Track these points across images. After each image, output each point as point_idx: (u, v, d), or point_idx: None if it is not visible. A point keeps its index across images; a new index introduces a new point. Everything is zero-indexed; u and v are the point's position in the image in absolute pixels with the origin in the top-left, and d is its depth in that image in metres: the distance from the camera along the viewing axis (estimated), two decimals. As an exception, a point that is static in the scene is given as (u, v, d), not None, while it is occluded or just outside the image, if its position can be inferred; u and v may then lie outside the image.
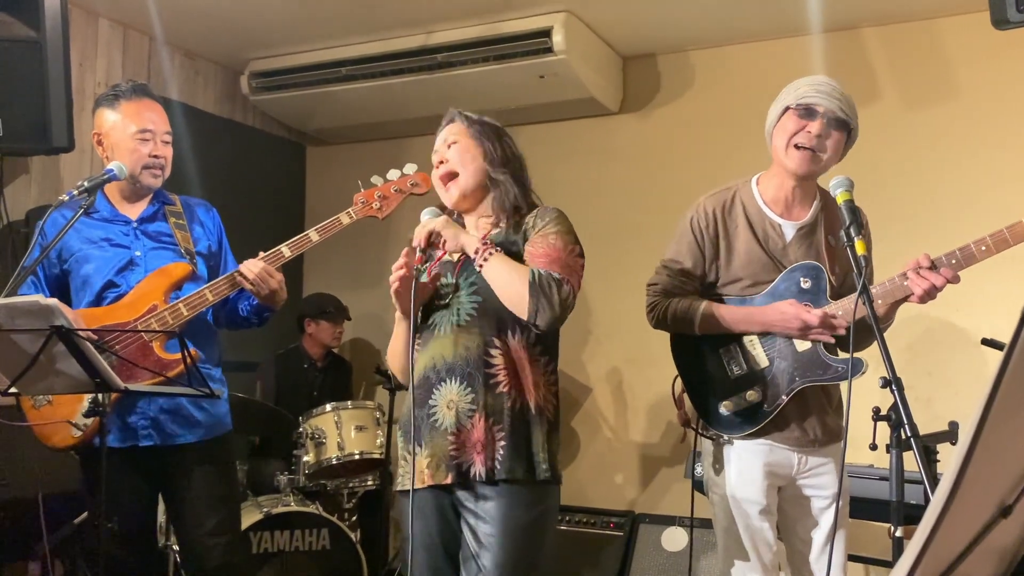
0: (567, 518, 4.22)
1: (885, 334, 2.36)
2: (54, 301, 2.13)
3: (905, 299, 2.30)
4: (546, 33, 4.10)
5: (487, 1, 4.08)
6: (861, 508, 3.00)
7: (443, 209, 2.34)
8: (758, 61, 4.38)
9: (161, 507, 3.04)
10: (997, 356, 0.80)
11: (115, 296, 2.65)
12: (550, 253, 2.15)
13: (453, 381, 2.13)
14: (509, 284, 2.09)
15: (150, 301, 2.60)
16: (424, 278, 2.22)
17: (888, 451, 2.09)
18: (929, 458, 2.95)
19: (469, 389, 2.12)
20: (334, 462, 3.96)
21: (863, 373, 2.25)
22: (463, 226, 2.30)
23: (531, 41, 4.14)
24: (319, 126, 5.22)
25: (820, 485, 2.43)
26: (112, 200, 2.76)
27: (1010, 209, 3.75)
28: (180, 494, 2.71)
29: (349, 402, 4.13)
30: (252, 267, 2.65)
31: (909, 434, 1.82)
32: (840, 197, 2.13)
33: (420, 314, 2.25)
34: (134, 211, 2.75)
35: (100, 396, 2.30)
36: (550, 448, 2.14)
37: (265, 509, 3.72)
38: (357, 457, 4.01)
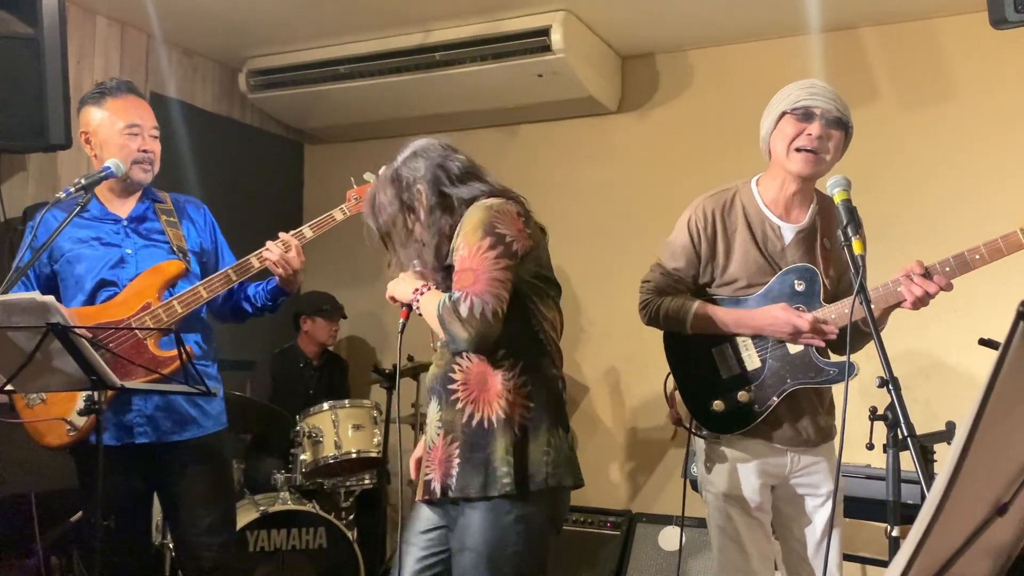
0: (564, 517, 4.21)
1: (882, 335, 2.37)
2: (51, 298, 2.13)
3: (897, 305, 2.30)
4: (544, 32, 4.09)
5: (485, 0, 4.08)
6: (858, 508, 3.00)
7: None
8: (757, 61, 4.38)
9: (157, 506, 3.03)
10: (995, 357, 0.80)
11: (108, 295, 2.64)
12: (461, 265, 2.05)
13: (433, 400, 2.18)
14: (432, 322, 2.07)
15: (144, 299, 2.60)
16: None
17: (885, 451, 2.09)
18: (926, 458, 2.96)
19: (438, 407, 2.15)
20: (331, 461, 3.96)
21: (854, 376, 2.26)
22: None
23: (529, 40, 4.14)
24: (317, 124, 5.21)
25: (813, 484, 2.43)
26: (102, 199, 2.75)
27: (1008, 208, 3.77)
28: (175, 493, 2.71)
29: (346, 401, 4.13)
30: (275, 249, 2.69)
31: (906, 434, 1.81)
32: (837, 196, 2.13)
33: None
34: (124, 209, 2.75)
35: (96, 394, 2.29)
36: (516, 458, 2.03)
37: (262, 508, 3.72)
38: (354, 456, 4.00)
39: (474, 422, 2.06)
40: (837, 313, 2.34)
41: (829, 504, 2.41)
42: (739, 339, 2.44)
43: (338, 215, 2.76)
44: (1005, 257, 2.24)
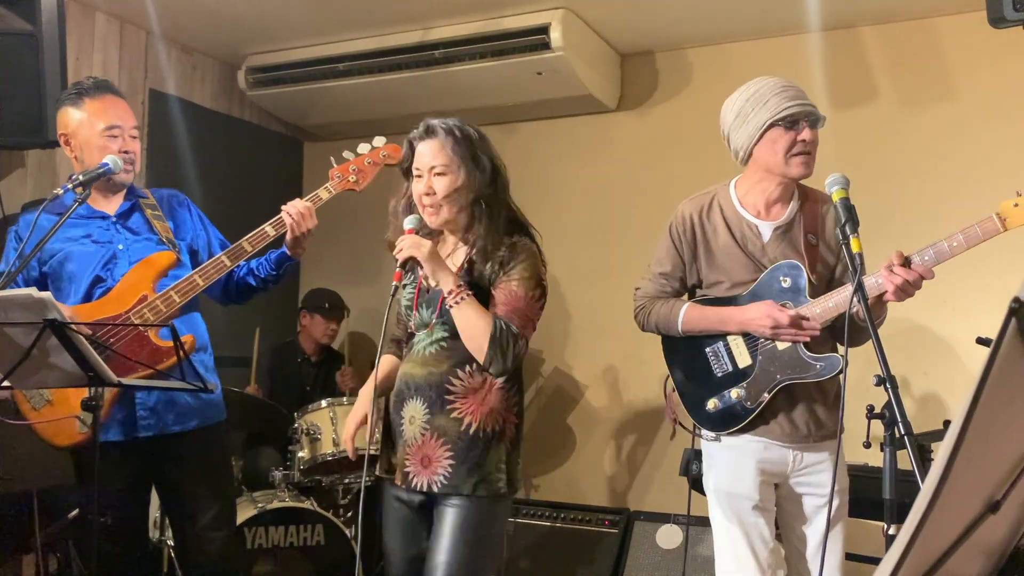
0: (562, 515, 4.21)
1: (880, 332, 2.37)
2: (47, 294, 2.13)
3: (882, 295, 2.30)
4: (544, 30, 4.09)
5: (485, -3, 4.09)
6: (856, 506, 3.00)
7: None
8: (756, 59, 4.38)
9: (155, 502, 3.03)
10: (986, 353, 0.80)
11: (103, 291, 2.64)
12: (510, 302, 2.31)
13: (417, 400, 2.36)
14: (473, 331, 2.28)
15: (139, 292, 2.59)
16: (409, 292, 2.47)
17: (882, 449, 2.09)
18: (924, 457, 2.96)
19: (427, 409, 2.34)
20: (329, 458, 3.95)
21: (840, 372, 2.26)
22: (443, 240, 2.49)
23: (529, 38, 4.14)
24: (316, 121, 5.21)
25: (816, 483, 2.44)
26: (93, 200, 2.74)
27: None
28: (177, 485, 2.71)
29: (344, 398, 4.13)
30: (296, 204, 2.71)
31: (903, 432, 1.82)
32: (836, 195, 2.14)
33: (407, 331, 2.50)
34: (111, 207, 2.75)
35: (93, 390, 2.29)
36: (508, 465, 2.34)
37: (260, 505, 3.72)
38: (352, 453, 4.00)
39: (471, 431, 2.30)
40: (821, 308, 2.36)
41: (834, 504, 2.41)
42: (731, 338, 2.47)
43: (323, 194, 2.79)
44: (983, 243, 2.25)
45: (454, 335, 2.34)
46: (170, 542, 3.52)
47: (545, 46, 4.11)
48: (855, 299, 2.02)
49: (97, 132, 2.65)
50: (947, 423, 3.29)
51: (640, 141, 4.65)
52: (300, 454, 3.96)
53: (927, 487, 0.78)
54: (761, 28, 4.31)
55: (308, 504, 3.85)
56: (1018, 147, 3.84)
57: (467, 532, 2.29)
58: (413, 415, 2.36)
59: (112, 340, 2.50)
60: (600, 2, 4.11)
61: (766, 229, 2.48)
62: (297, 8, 4.21)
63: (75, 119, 2.67)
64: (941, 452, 0.79)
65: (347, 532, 3.87)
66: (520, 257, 2.35)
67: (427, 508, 2.39)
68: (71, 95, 2.70)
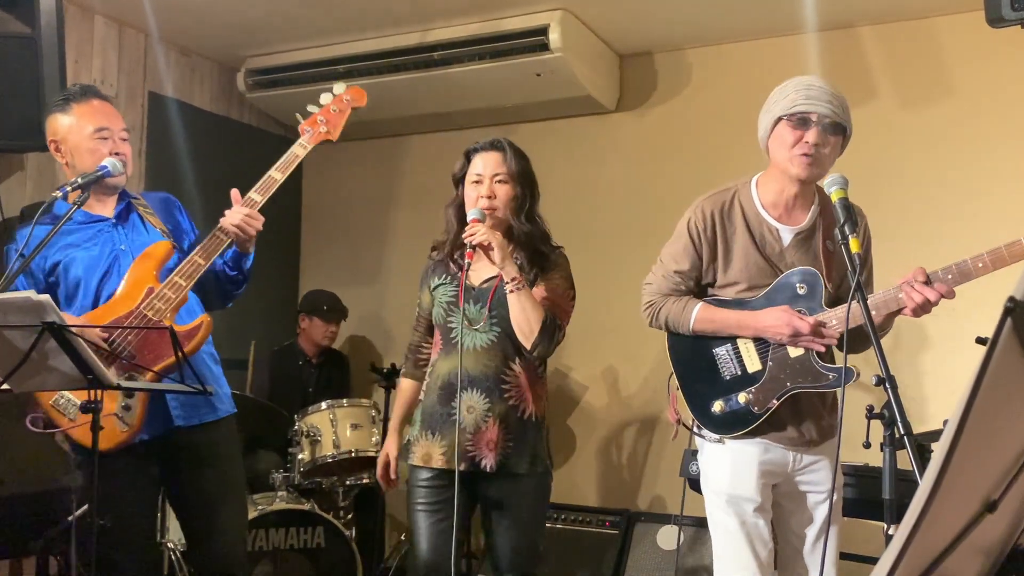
0: (562, 516, 4.21)
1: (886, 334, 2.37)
2: (46, 297, 2.12)
3: (899, 311, 2.28)
4: (543, 31, 4.09)
5: (484, -1, 4.09)
6: (856, 507, 3.00)
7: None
8: (755, 59, 4.38)
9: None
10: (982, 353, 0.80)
11: (111, 292, 2.63)
12: (552, 298, 2.66)
13: (475, 391, 2.61)
14: (528, 316, 2.57)
15: (145, 285, 2.57)
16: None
17: (882, 449, 2.09)
18: (923, 456, 2.95)
19: (487, 399, 2.61)
20: (329, 460, 3.96)
21: (854, 381, 2.25)
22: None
23: (528, 39, 4.14)
24: (316, 124, 5.21)
25: (815, 481, 2.43)
26: (88, 206, 2.73)
27: (1007, 207, 3.78)
28: (190, 484, 2.69)
29: (344, 400, 4.13)
30: (233, 216, 2.61)
31: (903, 432, 1.81)
32: (835, 195, 2.13)
33: (446, 327, 2.71)
34: (107, 210, 2.73)
35: (93, 392, 2.29)
36: (548, 445, 2.73)
37: (260, 507, 3.72)
38: (352, 455, 4.01)
39: (524, 416, 2.63)
40: (838, 318, 2.33)
41: (829, 502, 2.41)
42: (740, 341, 2.44)
43: (299, 151, 2.71)
44: (1009, 266, 2.22)
45: (503, 331, 2.63)
46: (170, 544, 3.52)
47: (544, 47, 4.11)
48: (857, 302, 2.00)
49: (87, 135, 2.64)
50: (947, 423, 3.28)
51: (639, 142, 4.65)
52: (300, 456, 3.96)
53: (924, 486, 0.78)
54: (760, 28, 4.32)
55: (308, 506, 3.85)
56: (1017, 146, 3.84)
57: (532, 504, 2.67)
58: (471, 405, 2.61)
59: (130, 339, 2.48)
60: (599, 3, 4.11)
61: (787, 234, 2.44)
62: (296, 10, 4.21)
63: (64, 124, 2.65)
64: (937, 452, 0.79)
65: (347, 534, 3.87)
66: (560, 263, 2.75)
67: (473, 487, 2.65)
68: (58, 102, 2.69)
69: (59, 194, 2.51)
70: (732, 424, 2.42)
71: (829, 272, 2.42)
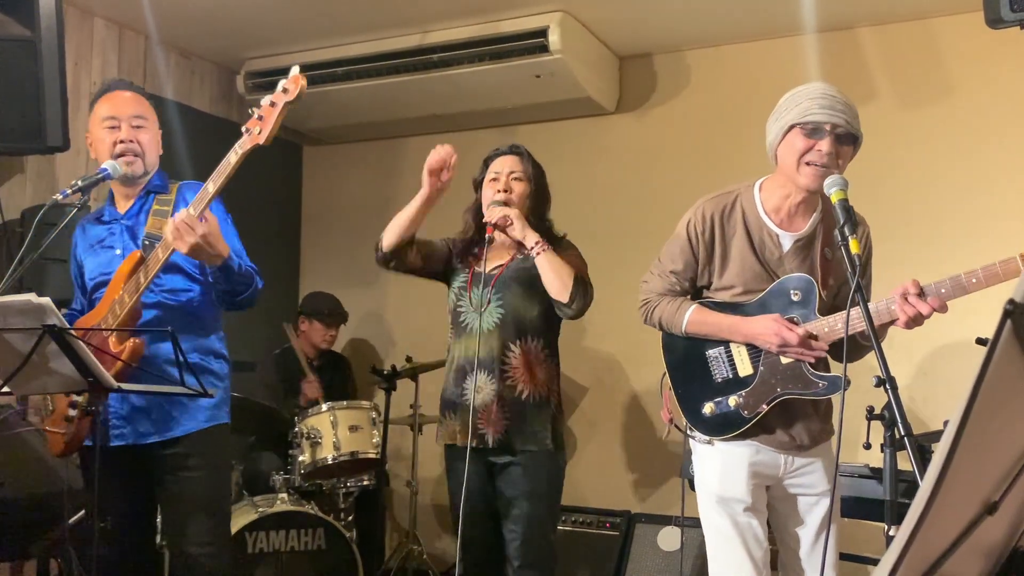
0: (563, 517, 4.21)
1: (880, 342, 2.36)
2: (46, 300, 2.13)
3: (892, 323, 2.27)
4: (542, 33, 4.09)
5: (483, 1, 4.08)
6: (856, 508, 3.00)
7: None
8: (754, 61, 4.38)
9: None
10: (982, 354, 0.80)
11: (100, 296, 2.64)
12: (575, 264, 2.84)
13: (483, 372, 2.81)
14: (559, 273, 2.75)
15: (111, 297, 2.56)
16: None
17: (882, 450, 2.09)
18: (923, 457, 2.96)
19: (491, 379, 2.80)
20: (329, 462, 3.95)
21: (844, 391, 2.24)
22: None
23: (527, 41, 4.14)
24: (316, 126, 5.21)
25: (807, 484, 2.43)
26: (115, 200, 2.74)
27: (1006, 208, 3.78)
28: (163, 496, 2.65)
29: (344, 402, 4.12)
30: (167, 225, 2.38)
31: (903, 433, 1.81)
32: (834, 196, 2.13)
33: (456, 312, 2.92)
34: (124, 207, 2.72)
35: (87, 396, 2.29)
36: (555, 426, 2.86)
37: (260, 509, 3.72)
38: (352, 457, 4.00)
39: (522, 397, 2.80)
40: (829, 327, 2.33)
41: (824, 503, 2.41)
42: (733, 344, 2.44)
43: (232, 157, 2.38)
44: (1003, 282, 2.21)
45: (507, 313, 2.82)
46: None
47: (543, 49, 4.11)
48: (859, 318, 1.99)
49: (99, 126, 2.64)
50: (947, 423, 3.28)
51: (639, 143, 4.65)
52: (301, 458, 3.96)
53: (924, 488, 0.78)
54: (759, 30, 4.32)
55: (309, 508, 3.85)
56: (1016, 147, 3.84)
57: (532, 483, 2.80)
58: (480, 386, 2.81)
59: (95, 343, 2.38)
60: (598, 5, 4.11)
61: (787, 240, 2.43)
62: (295, 12, 4.22)
63: (91, 119, 2.69)
64: (937, 454, 0.79)
65: (348, 536, 3.87)
66: (571, 247, 2.95)
67: (489, 466, 2.84)
68: (93, 100, 2.71)
69: (59, 197, 2.51)
70: (722, 426, 2.43)
71: (825, 280, 2.41)
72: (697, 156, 4.43)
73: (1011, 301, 0.78)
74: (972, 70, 3.98)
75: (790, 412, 2.40)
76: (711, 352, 2.47)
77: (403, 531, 4.69)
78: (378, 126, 5.02)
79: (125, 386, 2.32)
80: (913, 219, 3.95)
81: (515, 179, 2.90)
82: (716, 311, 2.46)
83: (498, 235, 2.85)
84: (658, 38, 4.51)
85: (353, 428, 4.02)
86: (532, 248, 2.76)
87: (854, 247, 2.01)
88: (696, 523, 3.64)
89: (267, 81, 4.72)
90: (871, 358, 1.93)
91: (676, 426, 2.53)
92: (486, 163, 2.99)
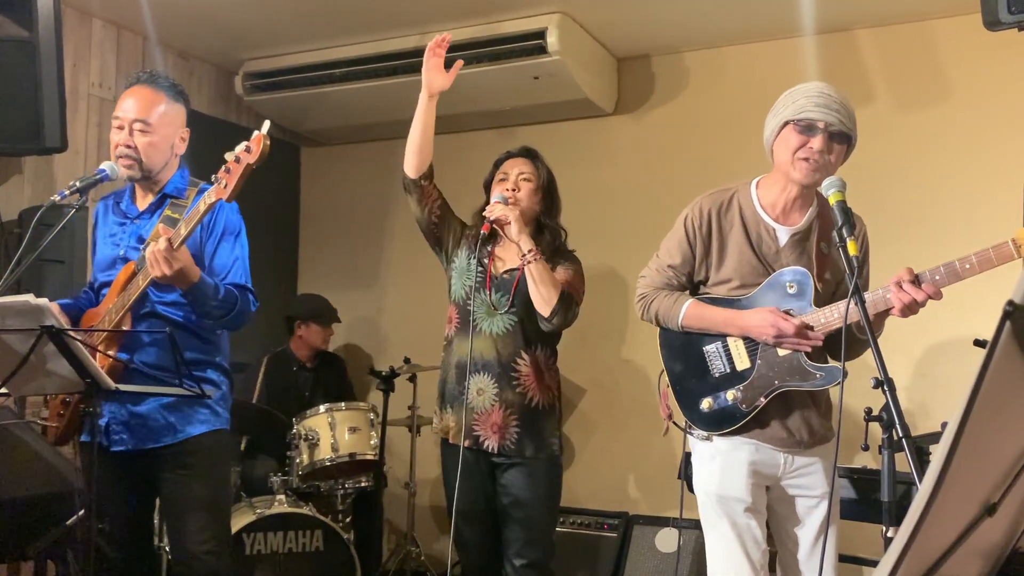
0: (561, 519, 4.21)
1: (877, 335, 2.36)
2: (44, 301, 2.12)
3: (888, 312, 2.28)
4: (540, 34, 4.09)
5: (481, 2, 4.08)
6: (855, 509, 3.00)
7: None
8: (752, 62, 4.39)
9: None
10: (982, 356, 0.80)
11: (105, 295, 2.63)
12: (568, 280, 2.88)
13: (486, 374, 2.82)
14: (547, 286, 2.76)
15: (108, 306, 2.56)
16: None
17: (880, 452, 2.09)
18: (921, 459, 2.96)
19: (496, 383, 2.82)
20: (327, 463, 3.95)
21: (841, 382, 2.25)
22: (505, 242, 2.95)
23: (525, 42, 4.14)
24: (314, 127, 5.21)
25: (806, 485, 2.44)
26: (135, 196, 2.70)
27: (1004, 210, 3.78)
28: (163, 500, 2.65)
29: (343, 403, 4.12)
30: (149, 249, 2.38)
31: (901, 435, 1.81)
32: (832, 198, 2.14)
33: (464, 308, 2.90)
34: (142, 205, 2.68)
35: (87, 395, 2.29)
36: (559, 433, 2.93)
37: (258, 510, 3.72)
38: (350, 458, 4.00)
39: (533, 404, 2.84)
40: (826, 319, 2.34)
41: (823, 505, 2.41)
42: (730, 339, 2.45)
43: (201, 207, 2.39)
44: (996, 267, 2.22)
45: (521, 320, 2.84)
46: (168, 548, 3.52)
47: (542, 50, 4.11)
48: (856, 309, 2.00)
49: (112, 124, 2.62)
50: (945, 425, 3.29)
51: (637, 144, 4.65)
52: (298, 460, 3.96)
53: (923, 490, 0.78)
54: (758, 31, 4.32)
55: (307, 509, 3.85)
56: (1014, 148, 3.84)
57: (539, 487, 2.84)
58: (481, 387, 2.83)
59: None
60: (596, 6, 4.12)
61: (783, 234, 2.45)
62: (294, 13, 4.22)
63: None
64: (937, 455, 0.79)
65: (346, 537, 3.87)
66: (576, 262, 2.99)
67: (491, 466, 2.86)
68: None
69: (57, 198, 2.51)
70: (720, 421, 2.44)
71: (820, 274, 2.43)
72: (695, 158, 4.44)
73: (1010, 302, 0.78)
74: (970, 72, 3.98)
75: (788, 406, 2.41)
76: (708, 347, 2.48)
77: (401, 532, 4.69)
78: (376, 127, 5.02)
79: (123, 387, 2.32)
80: (911, 220, 3.95)
81: (524, 179, 2.94)
82: (712, 306, 2.47)
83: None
84: (656, 39, 4.51)
85: (351, 429, 4.02)
86: (524, 256, 2.77)
87: (852, 249, 2.02)
88: (694, 525, 3.66)
89: (265, 82, 4.72)
90: (869, 358, 1.93)
91: (675, 423, 2.54)
92: (497, 164, 3.02)
